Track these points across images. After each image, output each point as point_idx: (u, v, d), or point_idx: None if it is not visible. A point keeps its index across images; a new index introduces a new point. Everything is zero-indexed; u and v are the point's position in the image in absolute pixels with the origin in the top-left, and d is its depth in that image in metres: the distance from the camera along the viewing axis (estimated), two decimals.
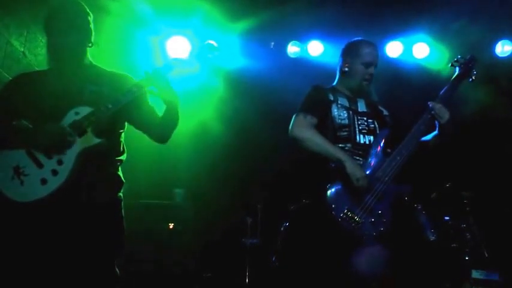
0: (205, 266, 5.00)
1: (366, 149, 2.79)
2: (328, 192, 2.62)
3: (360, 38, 3.07)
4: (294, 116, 2.85)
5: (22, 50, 3.82)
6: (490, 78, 5.12)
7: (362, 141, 2.81)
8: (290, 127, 2.81)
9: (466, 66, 2.99)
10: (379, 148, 2.78)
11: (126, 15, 4.75)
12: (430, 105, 2.81)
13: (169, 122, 2.54)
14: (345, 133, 2.81)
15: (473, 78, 3.00)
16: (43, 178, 2.21)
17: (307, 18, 5.34)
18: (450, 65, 3.06)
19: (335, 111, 2.86)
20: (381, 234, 2.58)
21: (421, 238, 3.75)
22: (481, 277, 3.87)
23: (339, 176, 2.63)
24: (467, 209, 4.13)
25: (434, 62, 5.53)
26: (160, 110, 2.58)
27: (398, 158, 2.72)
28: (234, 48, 5.57)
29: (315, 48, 5.56)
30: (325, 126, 2.82)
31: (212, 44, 2.58)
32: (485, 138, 5.19)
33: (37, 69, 3.84)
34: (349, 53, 3.01)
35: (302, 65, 5.64)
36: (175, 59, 2.55)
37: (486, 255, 3.91)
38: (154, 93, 2.48)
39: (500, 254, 4.13)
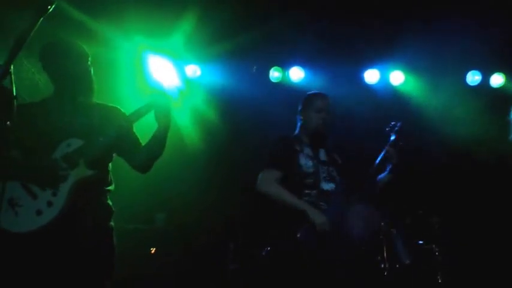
0: None
1: (329, 195, 3.10)
2: (298, 235, 2.94)
3: (312, 92, 3.46)
4: (260, 173, 3.15)
5: None
6: (462, 105, 5.41)
7: (326, 188, 3.12)
8: (257, 183, 3.13)
9: (399, 133, 3.45)
10: (338, 196, 3.11)
11: (105, 38, 4.79)
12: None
13: (154, 150, 2.59)
14: (311, 180, 3.11)
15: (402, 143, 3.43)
16: (38, 209, 2.28)
17: (289, 45, 5.51)
18: (386, 131, 3.50)
19: (302, 160, 3.16)
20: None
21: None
22: None
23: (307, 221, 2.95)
24: (437, 233, 4.35)
25: (408, 88, 5.77)
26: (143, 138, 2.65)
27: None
28: (217, 71, 5.69)
29: (296, 74, 5.73)
30: (293, 173, 3.11)
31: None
32: (454, 166, 5.47)
33: (20, 92, 3.89)
34: (304, 105, 3.37)
35: (284, 89, 5.79)
36: (164, 89, 2.64)
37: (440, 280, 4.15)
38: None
39: (470, 277, 4.35)
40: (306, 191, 3.08)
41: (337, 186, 3.16)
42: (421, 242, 4.40)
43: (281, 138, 3.30)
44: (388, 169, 3.34)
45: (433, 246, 4.29)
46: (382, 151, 3.38)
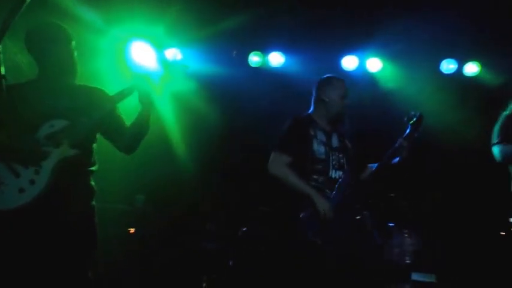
0: (165, 270, 4.98)
1: (335, 183, 3.20)
2: (302, 215, 3.06)
3: (332, 75, 3.45)
4: (272, 154, 3.23)
5: None
6: (436, 93, 5.57)
7: (333, 176, 3.23)
8: (268, 164, 3.22)
9: (415, 125, 3.24)
10: (344, 185, 3.20)
11: (87, 21, 4.78)
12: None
13: (139, 131, 2.69)
14: (321, 167, 3.21)
15: (417, 136, 3.25)
16: (21, 187, 2.34)
17: (269, 30, 5.56)
18: (404, 121, 3.28)
19: (315, 146, 3.24)
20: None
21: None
22: (420, 279, 4.27)
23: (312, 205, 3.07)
24: (408, 216, 4.53)
25: (386, 75, 5.88)
26: (128, 120, 2.72)
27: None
28: (197, 55, 5.72)
29: (276, 59, 5.78)
30: (305, 158, 3.20)
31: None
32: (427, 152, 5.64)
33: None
34: (327, 86, 3.37)
35: (263, 73, 5.86)
36: (146, 72, 2.72)
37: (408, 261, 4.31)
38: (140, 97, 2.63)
39: (436, 258, 4.56)
40: (314, 176, 3.19)
41: (345, 174, 3.24)
42: (391, 224, 4.58)
43: (294, 120, 3.34)
44: (396, 159, 3.29)
45: (402, 228, 4.48)
46: (396, 141, 3.23)
